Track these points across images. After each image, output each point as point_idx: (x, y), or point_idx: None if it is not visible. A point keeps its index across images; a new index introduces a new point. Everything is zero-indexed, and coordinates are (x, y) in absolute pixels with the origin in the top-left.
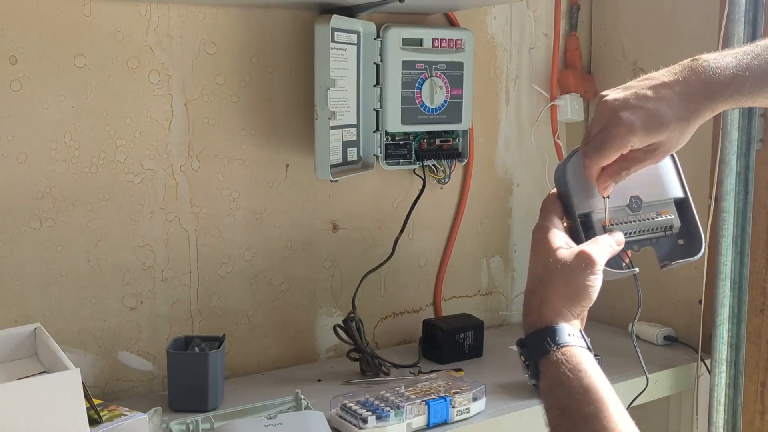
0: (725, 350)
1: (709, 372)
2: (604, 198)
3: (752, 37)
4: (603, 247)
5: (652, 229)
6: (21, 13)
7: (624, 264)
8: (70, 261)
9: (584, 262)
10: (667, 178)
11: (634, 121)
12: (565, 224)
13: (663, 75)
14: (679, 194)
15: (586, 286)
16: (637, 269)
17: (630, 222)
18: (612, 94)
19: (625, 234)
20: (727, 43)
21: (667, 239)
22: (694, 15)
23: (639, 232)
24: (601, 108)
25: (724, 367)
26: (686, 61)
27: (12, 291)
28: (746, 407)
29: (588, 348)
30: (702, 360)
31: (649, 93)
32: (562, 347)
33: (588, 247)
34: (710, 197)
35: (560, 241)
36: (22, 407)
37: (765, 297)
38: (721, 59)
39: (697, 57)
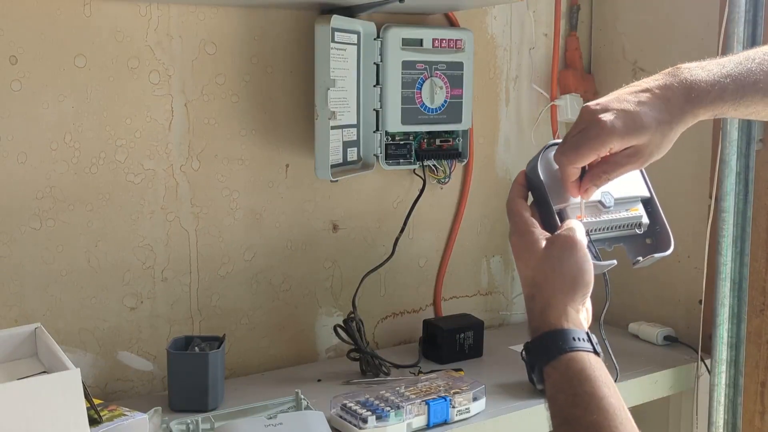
0: (725, 350)
1: (709, 372)
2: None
3: (752, 36)
4: (576, 227)
5: (624, 225)
6: (21, 13)
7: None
8: (70, 261)
9: (566, 244)
10: (632, 177)
11: (614, 123)
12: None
13: (645, 81)
14: (645, 193)
15: (579, 267)
16: (614, 261)
17: (602, 218)
18: (593, 101)
19: (600, 229)
20: (727, 44)
21: (636, 238)
22: (694, 15)
23: (612, 228)
24: (582, 112)
25: (724, 367)
26: (669, 69)
27: (12, 291)
28: (746, 407)
29: (595, 351)
30: (702, 360)
31: (630, 97)
32: (567, 352)
33: (562, 232)
34: (710, 197)
35: (539, 238)
36: (22, 407)
37: (765, 297)
38: (703, 66)
39: (680, 65)
